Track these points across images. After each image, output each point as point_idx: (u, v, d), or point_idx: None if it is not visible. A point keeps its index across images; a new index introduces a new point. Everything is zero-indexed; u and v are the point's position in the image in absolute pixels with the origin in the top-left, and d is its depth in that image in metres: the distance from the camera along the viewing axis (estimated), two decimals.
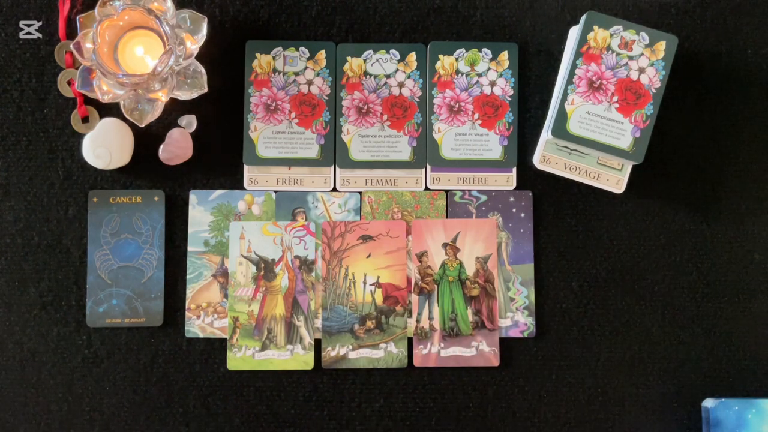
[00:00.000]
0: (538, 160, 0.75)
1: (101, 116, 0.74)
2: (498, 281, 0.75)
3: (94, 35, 0.67)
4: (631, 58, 0.73)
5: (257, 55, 0.75)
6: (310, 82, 0.75)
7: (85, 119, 0.74)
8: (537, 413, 0.75)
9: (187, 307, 0.74)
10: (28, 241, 0.74)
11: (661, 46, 0.73)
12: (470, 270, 0.75)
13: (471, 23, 0.76)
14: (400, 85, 0.76)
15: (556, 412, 0.75)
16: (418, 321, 0.74)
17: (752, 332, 0.75)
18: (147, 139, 0.74)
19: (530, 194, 0.76)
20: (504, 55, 0.76)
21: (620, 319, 0.75)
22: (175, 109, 0.74)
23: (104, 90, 0.69)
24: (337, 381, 0.74)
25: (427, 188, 0.76)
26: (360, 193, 0.76)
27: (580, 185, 0.76)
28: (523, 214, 0.76)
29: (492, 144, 0.76)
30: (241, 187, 0.75)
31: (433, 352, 0.74)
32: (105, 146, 0.73)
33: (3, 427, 0.73)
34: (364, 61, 0.76)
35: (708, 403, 0.74)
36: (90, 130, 0.74)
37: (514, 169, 0.76)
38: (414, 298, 0.74)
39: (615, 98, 0.73)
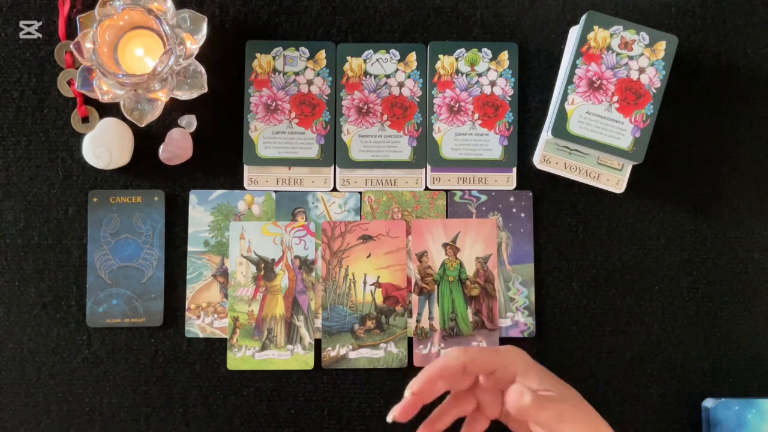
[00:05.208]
0: (538, 160, 0.75)
1: (101, 116, 0.74)
2: (498, 281, 0.75)
3: (94, 35, 0.67)
4: (631, 58, 0.73)
5: (257, 55, 0.75)
6: (310, 82, 0.75)
7: (85, 119, 0.74)
8: None
9: (187, 307, 0.74)
10: (28, 241, 0.74)
11: (661, 46, 0.73)
12: (470, 270, 0.75)
13: (471, 23, 0.76)
14: (400, 85, 0.76)
15: None
16: (418, 321, 0.74)
17: (752, 332, 0.75)
18: (147, 139, 0.74)
19: (530, 194, 0.76)
20: (504, 55, 0.76)
21: (620, 319, 0.75)
22: (175, 109, 0.75)
23: (104, 90, 0.69)
24: (337, 381, 0.74)
25: (427, 188, 0.76)
26: (360, 193, 0.76)
27: (580, 185, 0.76)
28: (523, 214, 0.76)
29: (492, 144, 0.76)
30: (241, 187, 0.75)
31: (433, 352, 0.74)
32: (105, 146, 0.73)
33: (3, 427, 0.73)
34: (364, 61, 0.76)
35: (708, 403, 0.74)
36: (90, 130, 0.74)
37: (514, 169, 0.76)
38: (414, 298, 0.74)
39: (615, 98, 0.73)
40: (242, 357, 0.74)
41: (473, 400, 0.63)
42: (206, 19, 0.70)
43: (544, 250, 0.76)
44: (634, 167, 0.75)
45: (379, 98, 0.76)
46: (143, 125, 0.70)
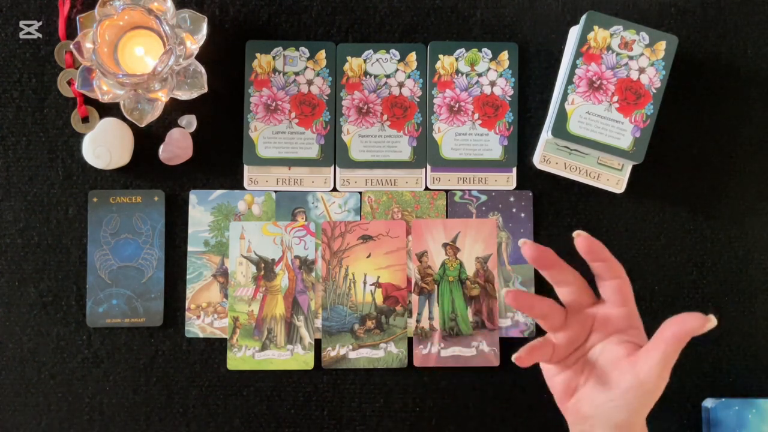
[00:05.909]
0: (538, 160, 0.75)
1: (101, 116, 0.74)
2: (498, 281, 0.75)
3: (94, 35, 0.67)
4: (631, 58, 0.73)
5: (257, 55, 0.75)
6: (310, 82, 0.75)
7: (85, 119, 0.74)
8: (537, 413, 0.75)
9: (187, 307, 0.74)
10: (28, 241, 0.74)
11: (661, 46, 0.73)
12: (470, 270, 0.75)
13: (471, 23, 0.76)
14: (400, 85, 0.76)
15: (556, 412, 0.75)
16: (418, 321, 0.74)
17: (752, 332, 0.75)
18: (147, 139, 0.74)
19: (530, 194, 0.76)
20: (504, 55, 0.76)
21: None
22: (175, 109, 0.75)
23: (104, 90, 0.69)
24: (337, 381, 0.74)
25: (427, 188, 0.76)
26: (360, 193, 0.76)
27: (580, 185, 0.76)
28: (523, 214, 0.76)
29: (492, 144, 0.76)
30: (241, 187, 0.75)
31: (433, 352, 0.74)
32: (105, 146, 0.73)
33: (3, 427, 0.73)
34: (364, 61, 0.76)
35: (708, 403, 0.74)
36: (90, 130, 0.74)
37: (514, 169, 0.76)
38: (414, 298, 0.74)
39: (615, 98, 0.73)
40: (242, 357, 0.74)
41: (562, 319, 0.62)
42: (206, 19, 0.70)
43: None
44: (634, 167, 0.75)
45: (379, 98, 0.76)
46: (143, 125, 0.70)
